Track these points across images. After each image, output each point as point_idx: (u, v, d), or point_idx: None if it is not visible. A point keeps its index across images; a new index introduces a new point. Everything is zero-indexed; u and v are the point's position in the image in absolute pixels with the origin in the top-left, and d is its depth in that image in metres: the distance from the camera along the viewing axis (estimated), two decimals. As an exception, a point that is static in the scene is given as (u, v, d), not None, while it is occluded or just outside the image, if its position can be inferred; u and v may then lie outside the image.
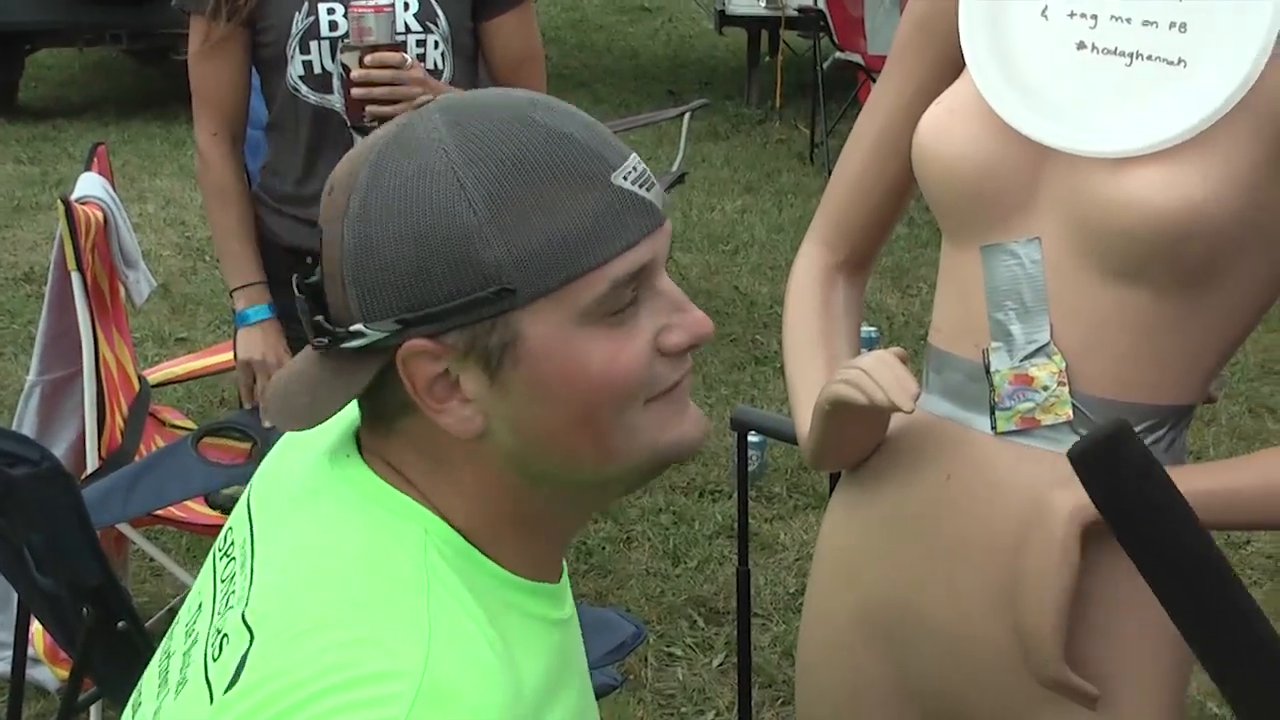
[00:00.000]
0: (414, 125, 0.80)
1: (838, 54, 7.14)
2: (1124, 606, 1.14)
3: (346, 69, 1.92)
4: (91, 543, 1.83)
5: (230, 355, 2.41)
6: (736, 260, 5.41)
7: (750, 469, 2.29)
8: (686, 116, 5.53)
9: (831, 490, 1.41)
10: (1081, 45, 1.14)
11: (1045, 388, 1.15)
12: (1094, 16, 1.14)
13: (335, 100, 2.04)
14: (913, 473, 1.22)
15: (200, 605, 0.93)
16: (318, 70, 2.04)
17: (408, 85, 1.89)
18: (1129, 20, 1.12)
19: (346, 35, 1.96)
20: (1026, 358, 1.15)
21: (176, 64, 5.39)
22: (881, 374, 1.13)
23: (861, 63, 6.80)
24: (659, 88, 8.41)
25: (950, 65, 1.24)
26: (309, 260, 1.20)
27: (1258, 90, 1.07)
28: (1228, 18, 1.08)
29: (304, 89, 2.06)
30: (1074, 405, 1.14)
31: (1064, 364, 1.14)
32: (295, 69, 2.05)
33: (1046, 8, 1.16)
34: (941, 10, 1.24)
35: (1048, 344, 1.15)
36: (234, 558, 0.95)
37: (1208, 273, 1.12)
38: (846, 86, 7.06)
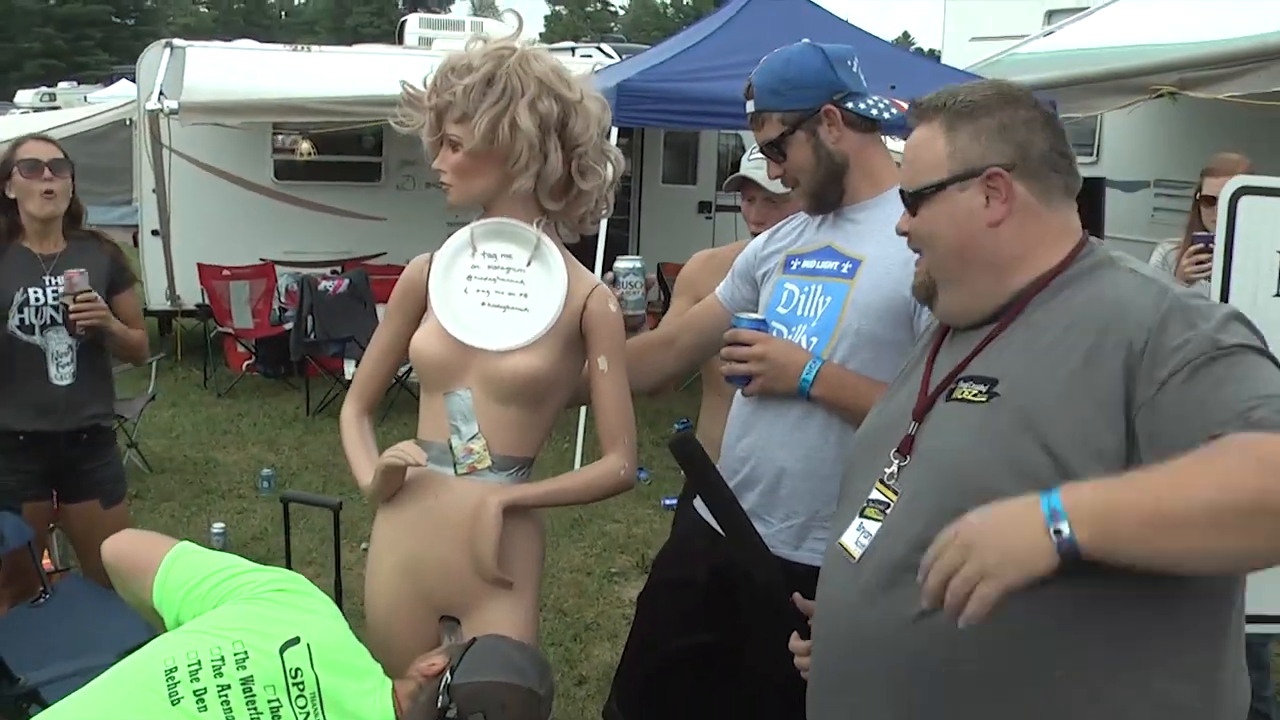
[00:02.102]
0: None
1: (219, 328, 9.03)
2: (515, 548, 2.48)
3: (65, 306, 3.57)
4: None
5: None
6: (180, 441, 6.52)
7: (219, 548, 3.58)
8: (154, 364, 6.96)
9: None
10: (484, 304, 2.57)
11: (478, 452, 2.53)
12: (486, 291, 2.58)
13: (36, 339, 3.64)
14: (420, 497, 2.50)
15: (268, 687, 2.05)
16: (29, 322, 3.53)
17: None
18: (500, 295, 2.57)
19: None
20: (469, 439, 2.53)
21: None
22: (408, 450, 2.45)
23: (231, 331, 8.49)
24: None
25: (416, 311, 2.60)
26: None
27: (560, 319, 2.51)
28: (546, 292, 2.56)
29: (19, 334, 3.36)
30: (491, 458, 2.52)
31: (485, 441, 2.53)
32: (13, 321, 3.42)
33: (465, 288, 2.58)
34: (414, 285, 2.63)
35: (478, 433, 2.53)
36: (305, 700, 2.03)
37: (541, 398, 2.55)
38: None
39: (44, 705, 2.82)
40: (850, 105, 2.46)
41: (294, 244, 10.82)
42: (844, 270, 2.45)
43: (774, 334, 2.48)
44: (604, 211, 2.60)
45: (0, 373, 3.71)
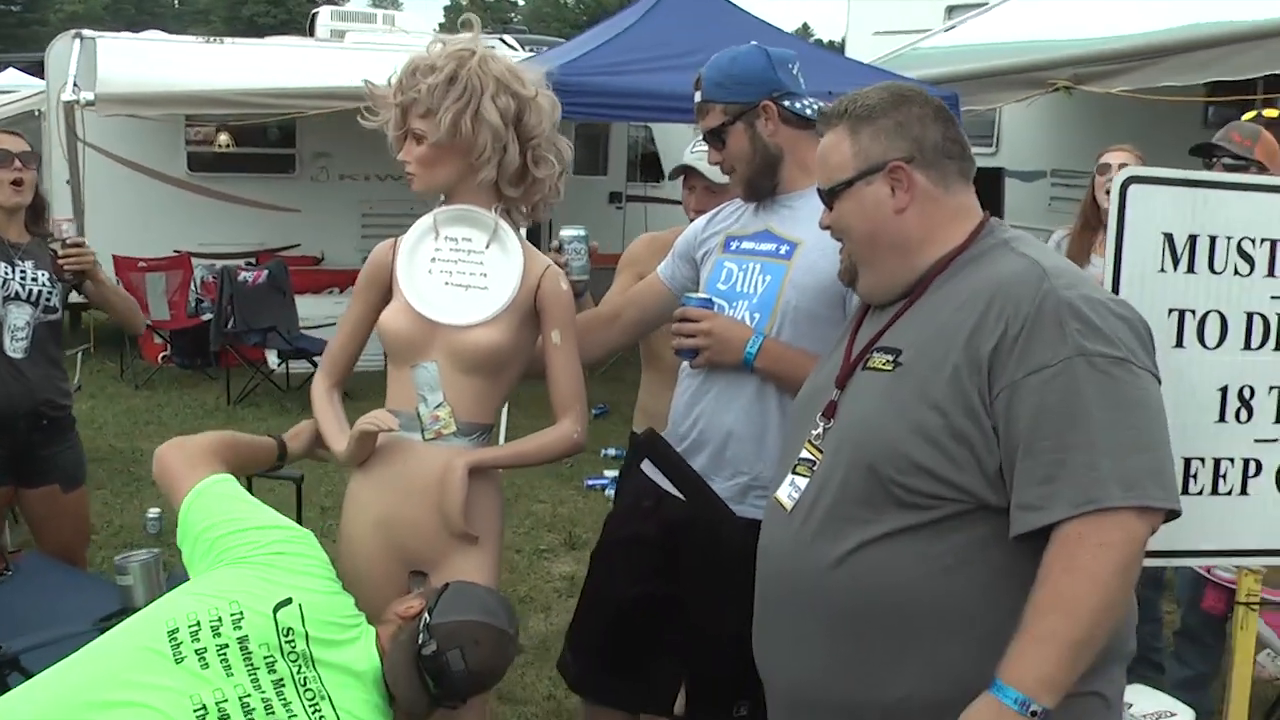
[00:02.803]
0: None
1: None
2: (480, 506, 2.68)
3: (55, 252, 3.79)
4: None
5: None
6: (103, 431, 6.57)
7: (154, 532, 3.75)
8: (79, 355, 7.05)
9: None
10: (447, 283, 2.75)
11: (444, 419, 2.73)
12: (449, 272, 2.78)
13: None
14: (391, 461, 2.68)
15: (264, 647, 2.22)
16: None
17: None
18: (462, 275, 2.78)
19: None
20: (435, 407, 2.73)
21: None
22: (380, 417, 2.65)
23: (149, 323, 8.90)
24: None
25: (382, 292, 2.78)
26: None
27: (516, 297, 2.70)
28: (504, 272, 2.76)
29: None
30: (456, 424, 2.73)
31: (450, 409, 2.72)
32: None
33: (430, 269, 2.77)
34: (380, 267, 2.82)
35: (443, 401, 2.72)
36: (297, 656, 2.22)
37: (501, 369, 2.72)
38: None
39: (25, 673, 2.97)
40: (787, 104, 2.70)
41: (208, 236, 10.86)
42: (782, 252, 2.68)
43: (718, 311, 2.71)
44: (556, 198, 2.81)
45: None
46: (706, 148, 2.84)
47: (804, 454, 2.14)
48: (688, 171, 3.40)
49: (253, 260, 10.51)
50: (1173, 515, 1.89)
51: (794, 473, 2.15)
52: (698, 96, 2.76)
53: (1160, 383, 1.95)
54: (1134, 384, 1.88)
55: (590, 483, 7.13)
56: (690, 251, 2.94)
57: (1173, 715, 3.25)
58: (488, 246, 2.72)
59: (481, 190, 2.72)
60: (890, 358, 2.03)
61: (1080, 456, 1.83)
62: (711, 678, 2.77)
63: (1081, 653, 1.81)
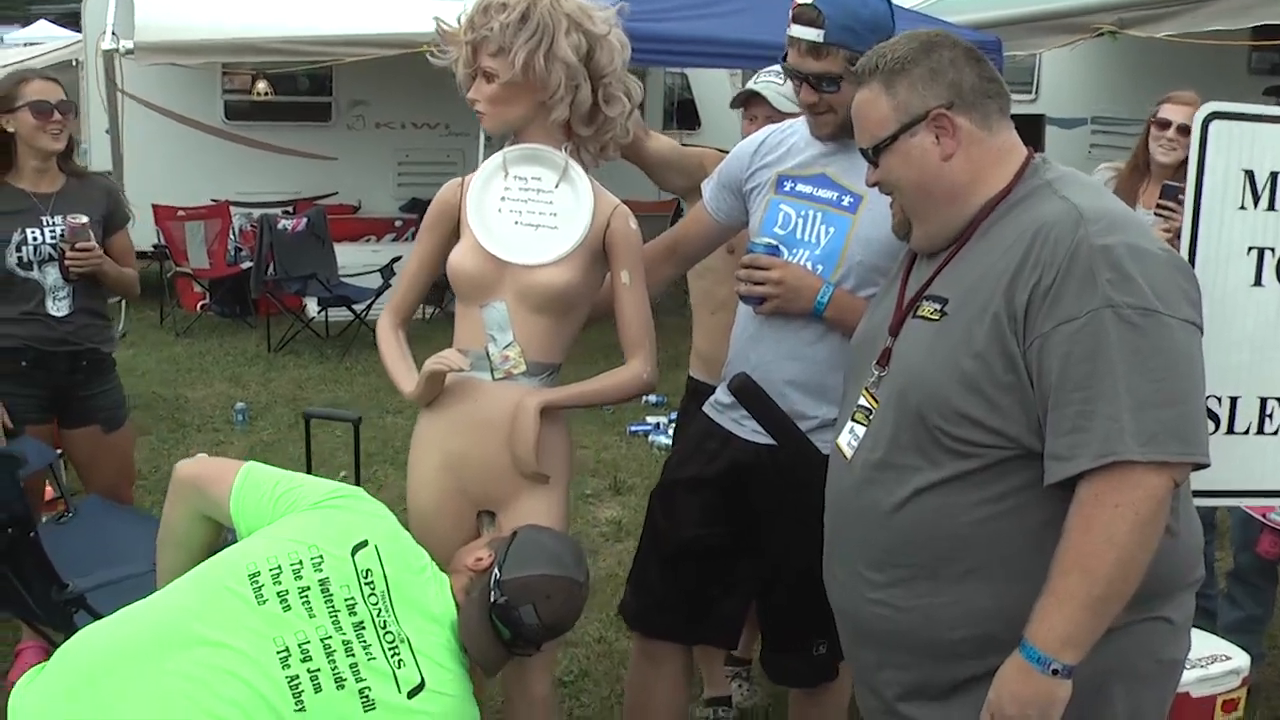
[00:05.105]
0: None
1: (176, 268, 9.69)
2: (550, 446, 2.68)
3: (62, 251, 3.72)
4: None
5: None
6: (146, 379, 6.71)
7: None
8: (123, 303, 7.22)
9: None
10: (516, 222, 2.73)
11: (514, 358, 2.72)
12: (519, 211, 2.77)
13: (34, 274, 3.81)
14: (460, 400, 2.69)
15: (344, 588, 2.25)
16: (27, 259, 3.75)
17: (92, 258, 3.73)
18: (531, 215, 2.76)
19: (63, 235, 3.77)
20: (505, 346, 2.72)
21: None
22: (450, 356, 2.65)
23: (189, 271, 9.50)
24: None
25: (450, 231, 2.77)
26: None
27: (587, 237, 2.68)
28: (573, 212, 2.74)
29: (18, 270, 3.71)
30: (526, 364, 2.72)
31: (520, 348, 2.71)
32: (11, 259, 3.68)
33: (499, 209, 2.76)
34: (448, 206, 2.81)
35: (513, 341, 2.71)
36: (377, 598, 2.23)
37: (570, 308, 2.71)
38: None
39: (92, 611, 3.01)
40: None
41: (246, 184, 10.86)
42: (844, 204, 2.64)
43: (786, 258, 2.67)
44: (625, 138, 2.79)
45: (2, 304, 3.85)
46: (776, 76, 2.79)
47: (861, 401, 2.16)
48: (751, 99, 3.32)
49: (290, 209, 10.51)
50: (1200, 466, 1.91)
51: (853, 420, 2.18)
52: (814, 34, 2.56)
53: (1202, 333, 1.94)
54: (1163, 336, 1.87)
55: (633, 429, 7.12)
56: (737, 183, 2.87)
57: (1227, 658, 3.26)
58: (557, 186, 2.71)
59: (552, 129, 2.70)
60: (938, 306, 2.04)
61: (1104, 408, 1.84)
62: (788, 617, 2.79)
63: (1103, 610, 1.86)
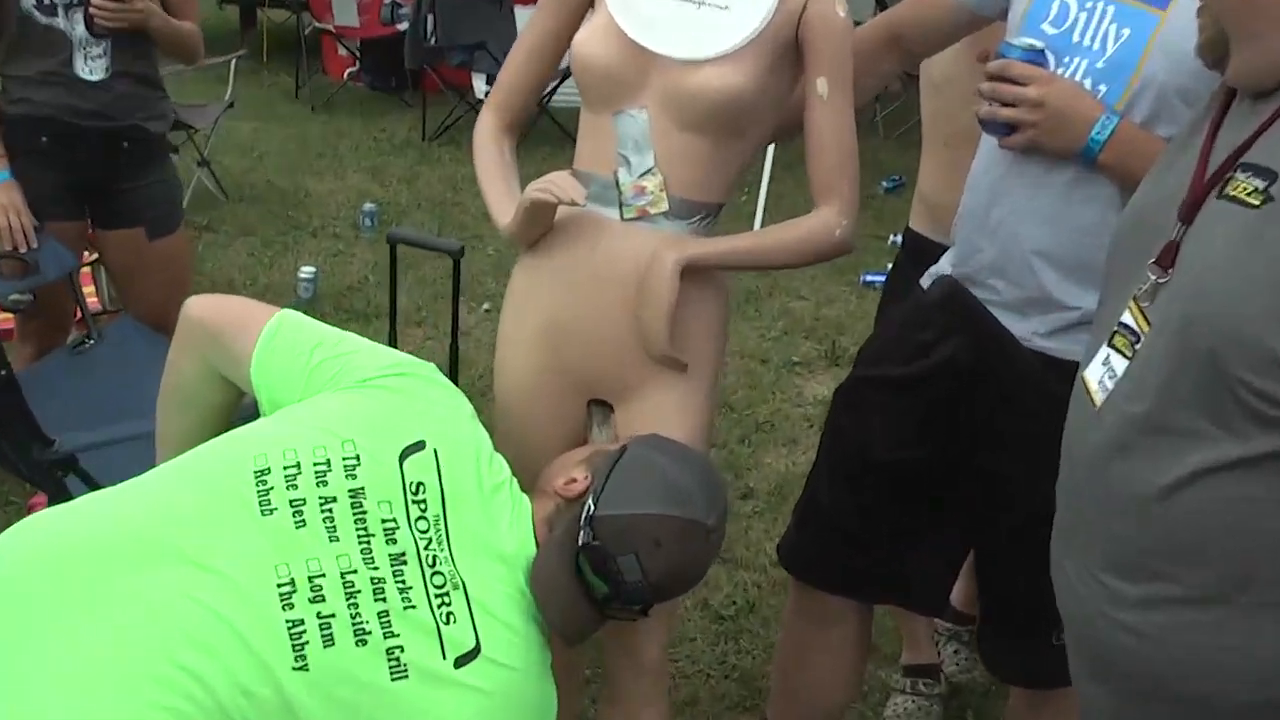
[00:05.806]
0: None
1: (315, 24, 10.14)
2: (693, 319, 2.41)
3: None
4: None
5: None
6: (264, 163, 8.33)
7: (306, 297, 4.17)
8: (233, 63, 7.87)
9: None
10: None
11: (653, 192, 2.42)
12: None
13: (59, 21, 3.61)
14: (574, 244, 2.42)
15: (387, 497, 2.03)
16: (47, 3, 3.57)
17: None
18: None
19: None
20: (641, 174, 2.42)
21: None
22: (563, 183, 2.36)
23: (331, 29, 9.77)
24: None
25: (575, 8, 2.50)
26: None
27: (770, 23, 2.40)
28: None
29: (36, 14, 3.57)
30: (669, 201, 2.42)
31: (662, 178, 2.42)
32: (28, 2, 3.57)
33: None
34: None
35: (653, 167, 2.42)
36: (428, 524, 2.03)
37: (738, 128, 2.40)
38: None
39: (86, 478, 2.88)
40: None
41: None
42: None
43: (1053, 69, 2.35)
44: None
45: (18, 59, 3.69)
46: None
47: (1125, 318, 1.84)
48: None
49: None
50: None
51: (1110, 345, 1.86)
52: None
53: None
54: None
55: (869, 278, 6.89)
56: None
57: None
58: None
59: None
60: (1262, 184, 1.68)
61: None
62: (1016, 588, 2.54)
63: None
